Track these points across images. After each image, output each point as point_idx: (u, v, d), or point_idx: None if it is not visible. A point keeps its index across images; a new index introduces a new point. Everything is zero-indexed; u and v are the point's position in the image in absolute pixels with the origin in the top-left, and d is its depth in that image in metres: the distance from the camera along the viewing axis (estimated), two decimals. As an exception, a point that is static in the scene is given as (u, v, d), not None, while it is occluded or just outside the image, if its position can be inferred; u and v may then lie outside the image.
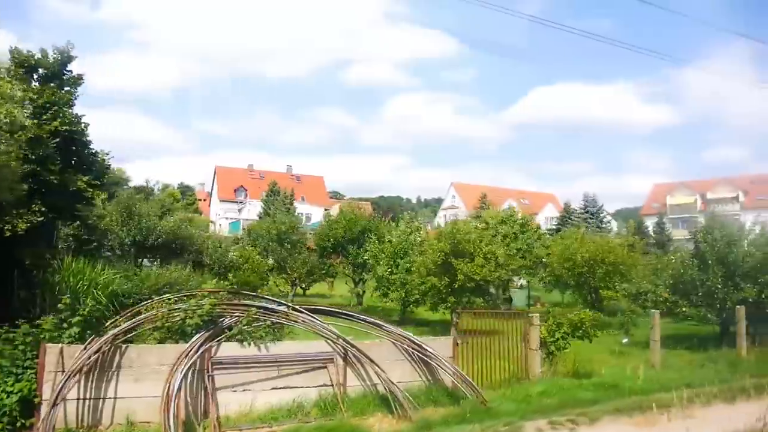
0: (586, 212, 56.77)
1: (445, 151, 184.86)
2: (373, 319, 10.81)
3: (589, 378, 11.80)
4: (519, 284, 32.51)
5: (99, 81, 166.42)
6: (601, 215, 57.45)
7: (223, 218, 75.65)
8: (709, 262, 16.53)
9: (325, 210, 78.62)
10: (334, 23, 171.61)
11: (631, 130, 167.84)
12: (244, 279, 25.83)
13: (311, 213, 74.50)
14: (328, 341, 9.87)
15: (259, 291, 26.14)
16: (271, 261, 27.91)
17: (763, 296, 15.84)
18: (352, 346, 9.80)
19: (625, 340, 15.34)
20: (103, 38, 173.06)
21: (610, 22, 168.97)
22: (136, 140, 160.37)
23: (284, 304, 10.42)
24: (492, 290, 22.03)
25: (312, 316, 10.18)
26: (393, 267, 22.68)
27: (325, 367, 9.82)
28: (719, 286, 16.08)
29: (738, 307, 14.75)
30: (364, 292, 26.91)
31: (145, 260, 26.73)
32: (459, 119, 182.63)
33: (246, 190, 76.49)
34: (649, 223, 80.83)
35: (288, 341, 10.07)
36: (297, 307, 10.35)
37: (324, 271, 28.03)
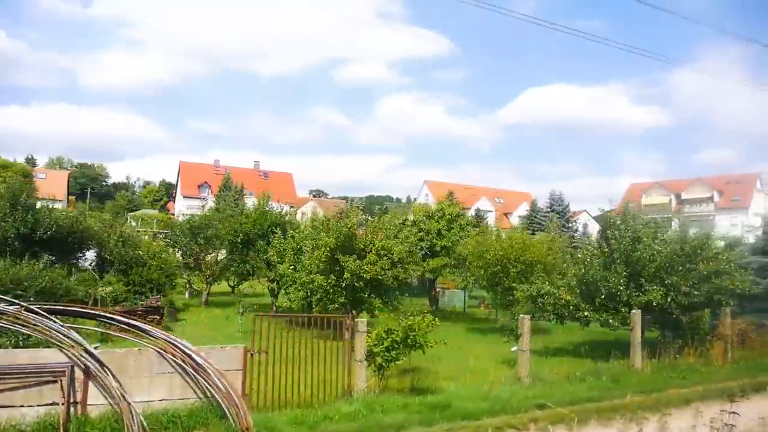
0: (552, 211, 54.90)
1: (438, 150, 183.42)
2: (138, 323, 8.82)
3: (425, 395, 9.85)
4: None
5: (91, 79, 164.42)
6: (568, 214, 55.59)
7: (187, 215, 73.37)
8: (616, 260, 14.65)
9: (291, 207, 76.71)
10: (326, 22, 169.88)
11: (623, 131, 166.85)
12: (148, 276, 23.82)
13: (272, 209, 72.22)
14: (64, 350, 7.89)
15: (165, 289, 24.43)
16: (179, 256, 25.82)
17: (669, 300, 13.96)
18: (91, 356, 7.82)
19: (514, 348, 13.38)
20: (95, 36, 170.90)
21: (602, 23, 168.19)
22: (128, 138, 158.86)
23: (18, 304, 8.40)
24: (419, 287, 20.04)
25: (51, 319, 8.19)
26: (296, 264, 20.70)
27: (57, 382, 7.82)
28: (621, 288, 14.20)
29: (633, 311, 12.84)
30: (278, 290, 24.92)
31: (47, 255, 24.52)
32: (451, 119, 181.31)
33: (210, 186, 74.23)
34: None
35: (15, 350, 8.09)
36: (32, 307, 8.34)
37: (234, 268, 25.98)
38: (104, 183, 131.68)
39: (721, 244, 16.72)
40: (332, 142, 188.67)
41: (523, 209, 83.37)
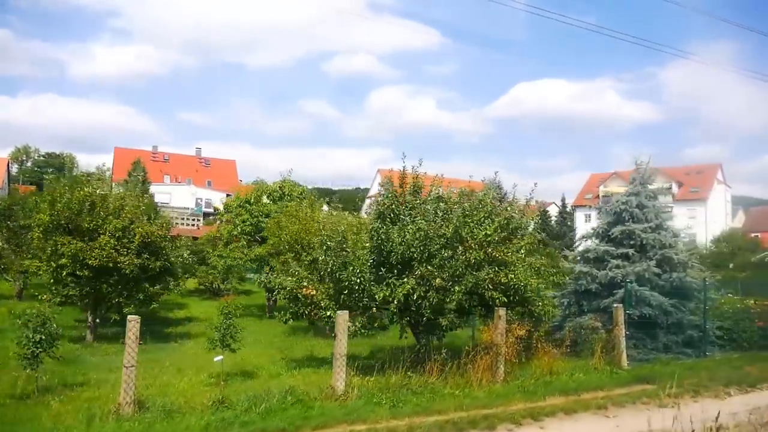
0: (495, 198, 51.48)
1: (428, 144, 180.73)
2: None
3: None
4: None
5: (77, 69, 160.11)
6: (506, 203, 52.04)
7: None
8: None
9: (228, 195, 72.97)
10: (317, 14, 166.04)
11: (613, 125, 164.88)
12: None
13: (211, 198, 68.74)
14: None
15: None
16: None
17: (416, 296, 10.40)
18: None
19: (217, 359, 9.88)
20: (82, 26, 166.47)
21: (594, 18, 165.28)
22: (117, 129, 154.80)
23: None
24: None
25: None
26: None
27: None
28: (359, 279, 10.62)
29: (340, 313, 9.24)
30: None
31: None
32: (442, 112, 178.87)
33: (145, 172, 70.23)
34: (580, 215, 76.04)
35: None
36: None
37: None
38: (67, 173, 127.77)
39: (531, 225, 13.14)
40: (322, 135, 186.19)
41: (478, 200, 79.95)
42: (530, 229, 12.79)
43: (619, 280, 13.43)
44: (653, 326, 13.35)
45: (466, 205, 11.59)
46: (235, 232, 21.35)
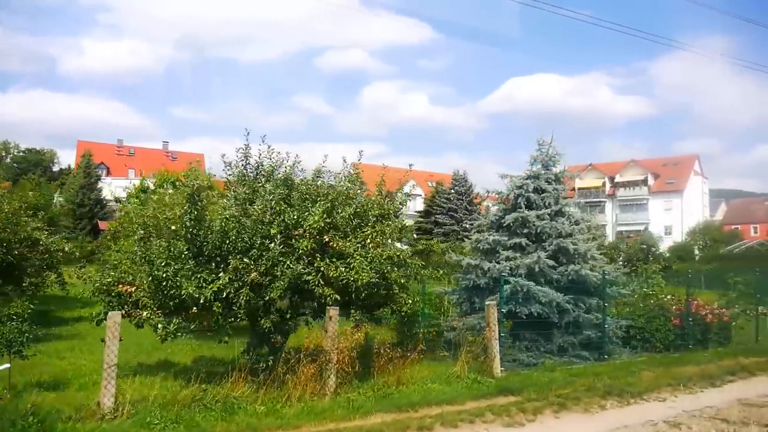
0: (453, 191, 49.66)
1: (421, 139, 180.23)
2: None
3: None
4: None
5: (68, 64, 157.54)
6: (471, 195, 50.34)
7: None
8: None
9: (192, 190, 70.95)
10: (309, 9, 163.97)
11: (605, 119, 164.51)
12: None
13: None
14: None
15: None
16: None
17: (227, 293, 8.69)
18: None
19: (3, 367, 8.21)
20: (72, 20, 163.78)
21: (589, 11, 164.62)
22: (109, 125, 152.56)
23: None
24: None
25: None
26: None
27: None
28: (167, 273, 8.89)
29: (111, 313, 7.56)
30: None
31: None
32: (435, 108, 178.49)
33: (108, 167, 68.22)
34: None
35: None
36: None
37: None
38: (47, 168, 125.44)
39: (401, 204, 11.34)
40: (316, 130, 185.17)
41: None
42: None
43: (506, 274, 11.77)
44: (549, 326, 11.72)
45: (304, 188, 9.83)
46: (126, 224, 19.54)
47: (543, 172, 13.02)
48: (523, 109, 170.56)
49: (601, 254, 12.97)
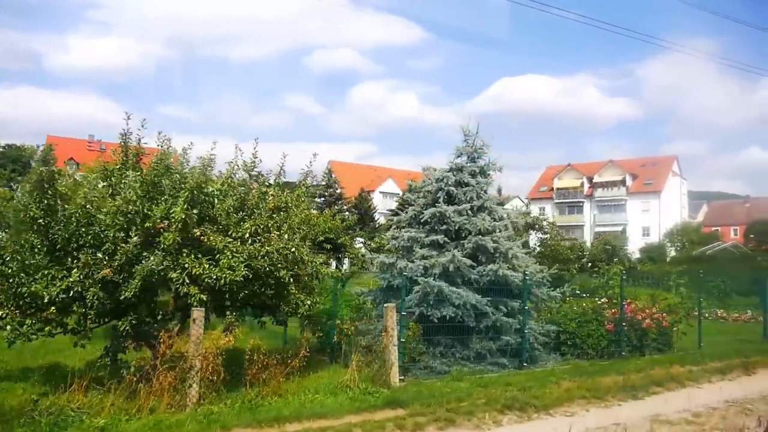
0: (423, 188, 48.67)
1: (410, 139, 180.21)
2: None
3: None
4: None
5: (56, 60, 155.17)
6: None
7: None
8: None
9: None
10: (298, 8, 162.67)
11: (593, 121, 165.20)
12: None
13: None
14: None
15: None
16: None
17: (75, 291, 7.70)
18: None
19: None
20: (61, 17, 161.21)
21: (573, 14, 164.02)
22: (96, 123, 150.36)
23: None
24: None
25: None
26: None
27: None
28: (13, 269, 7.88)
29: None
30: None
31: None
32: (424, 107, 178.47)
33: (77, 162, 66.60)
34: (535, 208, 73.83)
35: None
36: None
37: None
38: (27, 164, 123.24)
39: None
40: (305, 130, 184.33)
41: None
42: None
43: (420, 274, 10.85)
44: (467, 331, 10.81)
45: (177, 176, 8.84)
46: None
47: (468, 164, 12.11)
48: (512, 110, 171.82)
49: (526, 253, 12.11)
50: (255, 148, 10.07)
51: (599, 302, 13.26)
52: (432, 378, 9.96)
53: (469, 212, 11.38)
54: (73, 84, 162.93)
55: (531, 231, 21.99)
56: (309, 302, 9.80)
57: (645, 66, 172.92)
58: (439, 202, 11.48)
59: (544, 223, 24.90)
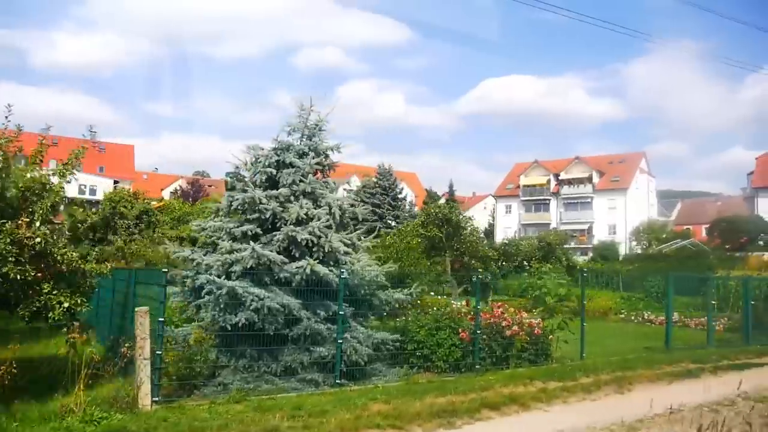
0: (377, 186, 46.85)
1: (397, 138, 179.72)
2: None
3: None
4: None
5: (40, 57, 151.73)
6: (395, 190, 47.65)
7: None
8: None
9: (115, 183, 67.23)
10: (285, 6, 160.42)
11: (580, 121, 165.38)
12: None
13: (97, 185, 63.20)
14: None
15: None
16: None
17: None
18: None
19: None
20: (45, 12, 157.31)
21: (558, 15, 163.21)
22: (82, 120, 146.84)
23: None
24: None
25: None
26: None
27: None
28: None
29: None
30: None
31: None
32: (410, 107, 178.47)
33: (27, 157, 63.95)
34: (502, 206, 72.39)
35: None
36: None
37: None
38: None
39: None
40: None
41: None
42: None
43: (221, 271, 9.00)
44: (281, 340, 9.00)
45: None
46: None
47: (298, 143, 10.26)
48: (499, 110, 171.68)
49: (373, 248, 10.31)
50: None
51: (459, 306, 11.46)
52: (220, 397, 8.14)
53: (285, 197, 9.54)
54: (57, 80, 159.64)
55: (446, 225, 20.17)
56: (68, 304, 7.99)
57: (631, 67, 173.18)
58: (256, 186, 9.63)
59: (461, 217, 23.07)
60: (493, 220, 72.78)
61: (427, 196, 66.24)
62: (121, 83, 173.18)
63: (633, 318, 20.01)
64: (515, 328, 10.86)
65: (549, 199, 68.04)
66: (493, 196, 74.64)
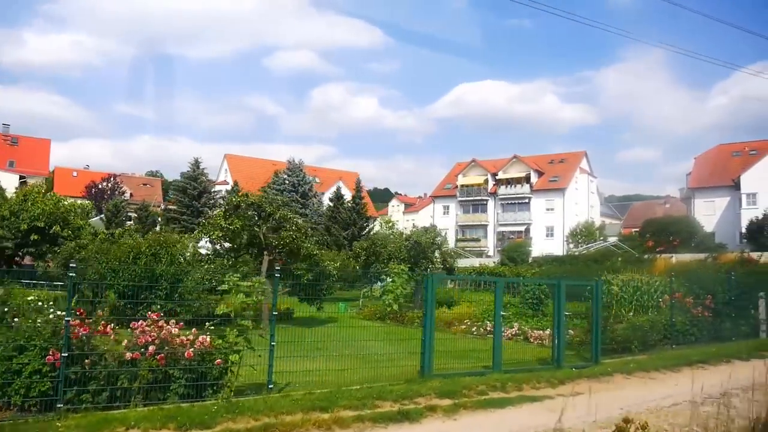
0: (286, 183, 43.62)
1: (371, 142, 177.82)
2: None
3: None
4: None
5: (7, 55, 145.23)
6: (305, 187, 44.46)
7: None
8: None
9: (21, 179, 62.88)
10: (258, 7, 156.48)
11: (552, 127, 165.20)
12: None
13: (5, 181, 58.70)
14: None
15: None
16: None
17: None
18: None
19: None
20: (13, 9, 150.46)
21: (531, 22, 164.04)
22: (50, 121, 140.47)
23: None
24: None
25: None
26: None
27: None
28: None
29: None
30: None
31: None
32: (384, 111, 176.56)
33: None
34: (440, 207, 69.75)
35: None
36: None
37: None
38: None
39: None
40: (264, 131, 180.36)
41: (334, 187, 72.87)
42: None
43: None
44: None
45: None
46: None
47: None
48: (472, 114, 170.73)
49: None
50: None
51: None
52: None
53: None
54: (25, 79, 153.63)
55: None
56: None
57: (603, 73, 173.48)
58: None
59: (281, 211, 20.03)
60: (433, 222, 70.06)
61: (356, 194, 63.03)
62: (90, 83, 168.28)
63: (473, 330, 17.16)
64: (189, 351, 7.76)
65: (486, 200, 65.60)
66: (432, 197, 71.99)
